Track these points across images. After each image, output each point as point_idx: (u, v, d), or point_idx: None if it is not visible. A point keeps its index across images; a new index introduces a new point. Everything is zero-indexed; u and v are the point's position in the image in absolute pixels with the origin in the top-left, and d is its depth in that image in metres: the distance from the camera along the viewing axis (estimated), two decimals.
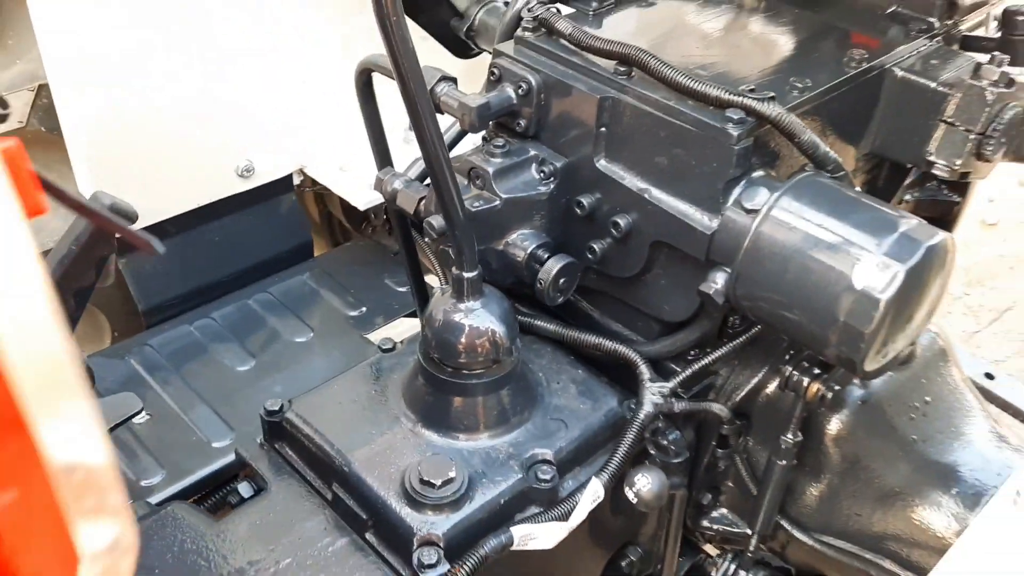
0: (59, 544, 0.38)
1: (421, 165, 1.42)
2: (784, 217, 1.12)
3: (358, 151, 1.88)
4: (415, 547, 1.13)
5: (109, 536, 0.40)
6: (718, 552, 1.60)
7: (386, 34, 1.02)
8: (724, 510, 1.54)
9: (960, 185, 1.55)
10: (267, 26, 1.84)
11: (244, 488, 1.33)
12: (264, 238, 1.96)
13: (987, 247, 4.32)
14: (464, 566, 1.12)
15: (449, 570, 1.12)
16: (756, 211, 1.14)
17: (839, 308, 1.06)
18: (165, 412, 1.69)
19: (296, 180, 2.01)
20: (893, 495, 1.37)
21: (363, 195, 1.89)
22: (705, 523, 1.54)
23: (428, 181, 1.37)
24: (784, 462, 1.35)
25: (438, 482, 1.16)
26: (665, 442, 1.35)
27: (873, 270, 1.04)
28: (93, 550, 0.39)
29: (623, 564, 1.51)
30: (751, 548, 1.46)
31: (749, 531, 1.47)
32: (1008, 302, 3.98)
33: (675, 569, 1.54)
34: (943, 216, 1.58)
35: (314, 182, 2.00)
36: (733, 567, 1.49)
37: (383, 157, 1.47)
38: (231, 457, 1.40)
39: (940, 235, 1.08)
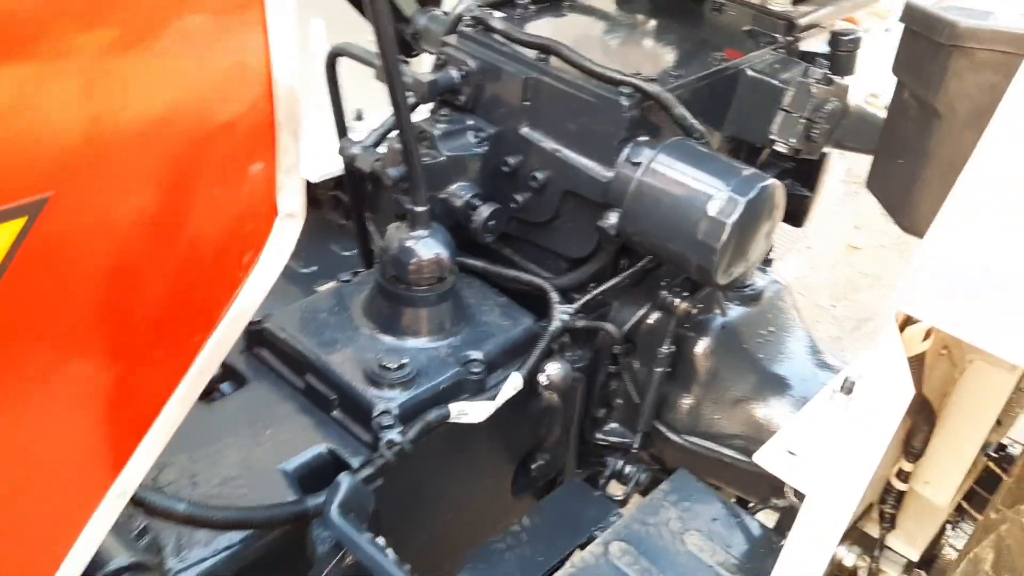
0: (269, 203, 0.66)
1: (374, 135, 1.75)
2: (659, 168, 1.50)
3: (309, 131, 2.19)
4: (375, 415, 1.44)
5: (295, 206, 0.69)
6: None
7: (378, 31, 1.35)
8: (615, 424, 1.90)
9: (808, 180, 1.97)
10: None
11: (226, 387, 1.61)
12: None
13: (852, 267, 4.90)
14: (412, 429, 1.44)
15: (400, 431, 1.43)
16: (639, 164, 1.52)
17: (698, 231, 1.45)
18: None
19: None
20: (743, 400, 1.76)
21: (314, 171, 2.19)
22: (599, 435, 1.90)
23: (379, 147, 1.72)
24: (660, 369, 1.73)
25: (394, 366, 1.48)
26: (568, 353, 1.71)
27: (721, 202, 1.43)
28: (285, 212, 0.68)
29: (532, 468, 1.84)
30: (635, 446, 1.83)
31: (635, 438, 1.84)
32: (868, 314, 4.52)
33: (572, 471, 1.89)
34: (796, 210, 1.98)
35: None
36: (621, 463, 1.85)
37: (342, 129, 1.81)
38: None
39: (771, 180, 1.48)
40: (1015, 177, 0.82)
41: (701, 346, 1.79)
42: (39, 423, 0.66)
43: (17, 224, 0.54)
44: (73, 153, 0.54)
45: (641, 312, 1.79)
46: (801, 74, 1.70)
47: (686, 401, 1.81)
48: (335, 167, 2.08)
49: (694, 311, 1.68)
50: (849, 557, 1.32)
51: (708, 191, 1.45)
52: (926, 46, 1.47)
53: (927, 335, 0.93)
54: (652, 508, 1.69)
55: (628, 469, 1.85)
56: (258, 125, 0.63)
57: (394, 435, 1.42)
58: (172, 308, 0.68)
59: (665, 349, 1.72)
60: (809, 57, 1.82)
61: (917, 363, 0.95)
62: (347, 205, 2.23)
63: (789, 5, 1.85)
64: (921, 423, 1.20)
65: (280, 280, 2.13)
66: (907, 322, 0.89)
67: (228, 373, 1.63)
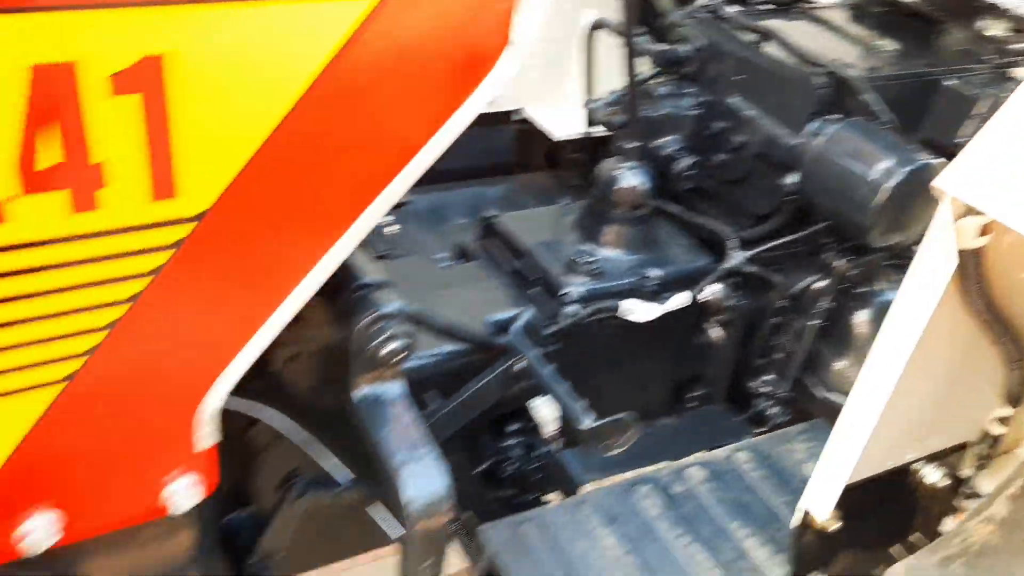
0: (505, 32, 1.07)
1: (613, 96, 2.15)
2: (837, 138, 1.77)
3: (560, 96, 2.62)
4: (562, 292, 1.83)
5: (517, 36, 1.08)
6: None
7: (627, 9, 1.76)
8: (772, 375, 2.15)
9: None
10: None
11: (459, 260, 2.07)
12: (486, 152, 2.72)
13: None
14: (588, 309, 1.81)
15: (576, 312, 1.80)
16: (822, 134, 1.80)
17: (858, 192, 1.70)
18: None
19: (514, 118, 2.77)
20: None
21: (560, 130, 2.62)
22: (753, 383, 2.15)
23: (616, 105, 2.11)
24: (815, 322, 1.97)
25: (583, 262, 1.87)
26: (738, 294, 2.00)
27: (882, 169, 1.68)
28: (513, 40, 1.07)
29: (686, 396, 2.13)
30: (784, 393, 2.07)
31: (785, 387, 2.08)
32: None
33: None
34: None
35: (524, 121, 2.75)
36: (766, 405, 2.10)
37: (590, 90, 2.23)
38: None
39: (937, 160, 1.70)
40: None
41: (861, 316, 2.01)
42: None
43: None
44: None
45: (808, 279, 2.04)
46: (999, 90, 1.88)
47: (838, 363, 2.03)
48: (577, 129, 2.50)
49: (852, 274, 1.92)
50: (933, 475, 1.51)
51: (873, 160, 1.70)
52: None
53: (984, 231, 1.14)
54: (784, 437, 1.95)
55: (770, 411, 2.09)
56: None
57: (574, 308, 1.80)
58: (434, 101, 1.09)
59: (824, 305, 1.96)
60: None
61: (974, 258, 1.16)
62: (583, 166, 2.64)
63: (1004, 32, 2.03)
64: (1013, 355, 1.37)
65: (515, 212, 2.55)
66: (965, 214, 1.12)
67: (461, 253, 2.09)
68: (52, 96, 0.87)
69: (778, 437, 1.95)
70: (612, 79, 2.39)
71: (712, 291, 1.90)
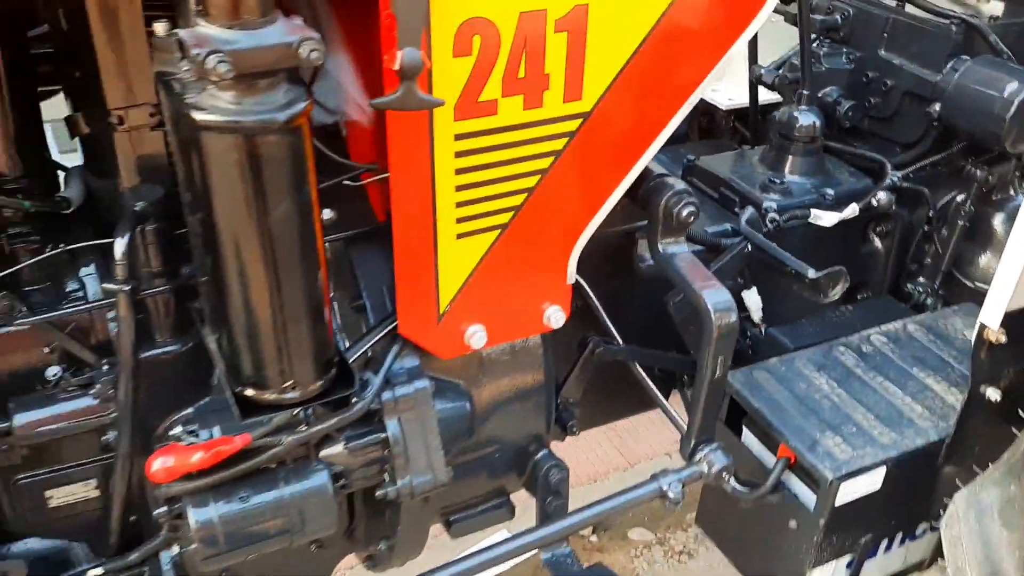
0: None
1: (776, 63, 2.72)
2: (972, 70, 2.30)
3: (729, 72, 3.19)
4: (764, 206, 2.37)
5: None
6: None
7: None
8: (923, 278, 2.65)
9: None
10: None
11: None
12: None
13: None
14: (784, 216, 2.35)
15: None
16: (959, 70, 2.33)
17: (995, 108, 2.22)
18: None
19: None
20: None
21: (724, 100, 3.19)
22: (910, 284, 2.66)
23: (782, 68, 2.68)
24: (961, 223, 2.48)
25: (777, 182, 2.42)
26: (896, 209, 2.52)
27: (1012, 88, 2.20)
28: None
29: (857, 295, 2.65)
30: (937, 285, 2.57)
31: (938, 281, 2.59)
32: None
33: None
34: None
35: None
36: (923, 295, 2.60)
37: (754, 58, 2.80)
38: None
39: None
40: None
41: (998, 218, 2.51)
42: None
43: None
44: None
45: (952, 192, 2.55)
46: None
47: (982, 258, 2.53)
48: (740, 99, 3.06)
49: (991, 181, 2.43)
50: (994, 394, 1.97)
51: (1003, 83, 2.23)
52: None
53: None
54: (943, 315, 2.46)
55: (927, 301, 2.59)
56: None
57: (773, 216, 2.35)
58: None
59: (966, 208, 2.47)
60: None
61: None
62: (742, 133, 3.20)
63: None
64: None
65: None
66: None
67: None
68: (528, 33, 1.48)
69: (938, 314, 2.45)
70: (765, 52, 2.96)
71: (877, 199, 2.43)
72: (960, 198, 2.54)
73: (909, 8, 2.47)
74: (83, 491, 1.78)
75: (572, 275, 1.79)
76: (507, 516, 2.12)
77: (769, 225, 2.34)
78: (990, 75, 2.28)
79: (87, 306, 1.60)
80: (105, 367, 1.62)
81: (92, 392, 1.62)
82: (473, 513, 2.08)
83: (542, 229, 1.70)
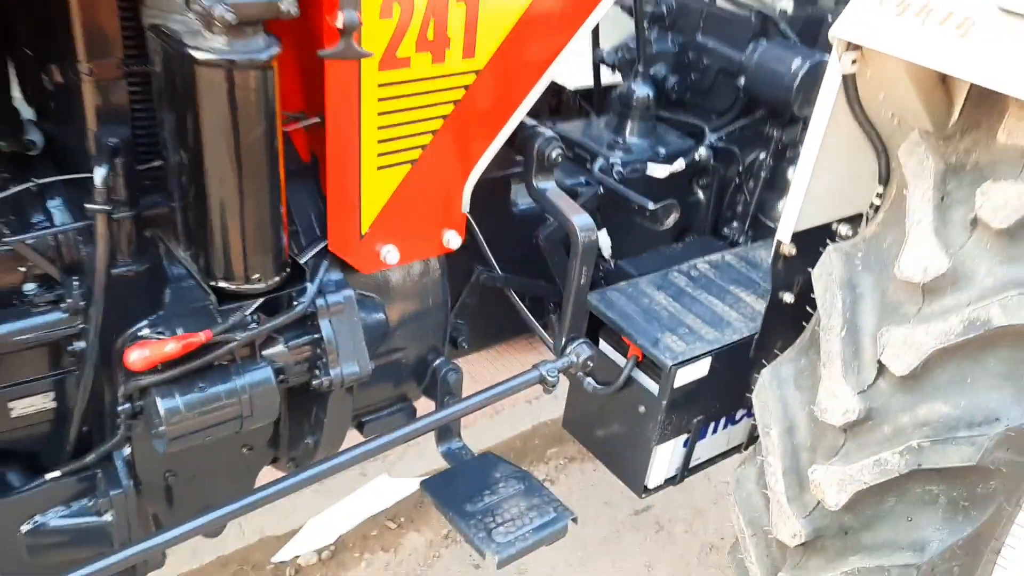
0: None
1: (613, 48, 3.25)
2: (767, 53, 2.91)
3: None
4: (610, 162, 2.89)
5: None
6: None
7: None
8: (736, 222, 3.26)
9: None
10: None
11: None
12: None
13: None
14: (626, 168, 2.87)
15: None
16: (756, 51, 2.93)
17: (786, 79, 2.83)
18: None
19: None
20: None
21: (571, 81, 3.69)
22: (726, 229, 3.26)
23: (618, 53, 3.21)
24: (764, 175, 3.10)
25: (619, 141, 2.94)
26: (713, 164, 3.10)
27: (796, 63, 2.81)
28: None
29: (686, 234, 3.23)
30: (747, 229, 3.18)
31: (746, 226, 3.20)
32: None
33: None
34: None
35: None
36: (736, 235, 3.20)
37: (596, 43, 3.32)
38: None
39: (825, 57, 2.83)
40: None
41: (791, 170, 3.13)
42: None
43: None
44: None
45: (756, 151, 3.17)
46: None
47: (780, 203, 3.15)
48: (585, 81, 3.58)
49: (785, 140, 3.06)
50: (845, 230, 2.60)
51: (791, 60, 2.84)
52: None
53: (854, 62, 2.23)
54: (752, 247, 3.05)
55: (740, 238, 3.20)
56: None
57: (619, 168, 2.87)
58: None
59: (769, 164, 3.09)
60: None
61: (852, 81, 2.25)
62: (587, 111, 3.72)
63: None
64: (878, 147, 2.47)
65: None
66: (845, 50, 2.19)
67: None
68: (436, 3, 1.89)
69: (748, 247, 3.06)
70: (605, 36, 3.47)
71: (699, 155, 3.00)
72: (762, 155, 3.15)
73: (719, 2, 3.06)
74: (42, 403, 2.03)
75: (466, 205, 2.22)
76: (410, 419, 2.52)
77: (615, 176, 2.85)
78: (781, 54, 2.89)
79: (61, 228, 1.86)
80: (75, 283, 1.89)
81: (63, 306, 1.88)
82: (382, 415, 2.47)
83: (444, 164, 2.11)
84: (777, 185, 3.15)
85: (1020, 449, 1.87)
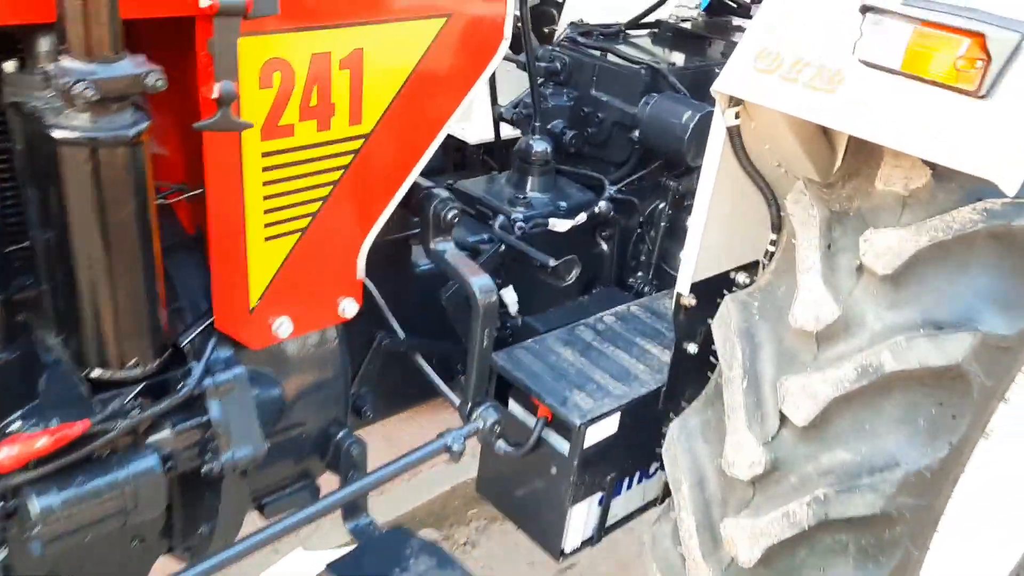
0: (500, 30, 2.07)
1: (512, 103, 3.27)
2: (659, 106, 2.96)
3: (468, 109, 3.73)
4: (511, 217, 2.87)
5: (508, 32, 2.12)
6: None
7: (525, 37, 2.88)
8: (640, 272, 3.28)
9: None
10: None
11: None
12: None
13: None
14: (529, 224, 2.86)
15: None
16: (649, 104, 2.97)
17: (677, 131, 2.88)
18: None
19: None
20: None
21: (472, 136, 3.69)
22: (632, 279, 3.27)
23: (518, 106, 3.23)
24: (663, 225, 3.12)
25: (521, 197, 2.93)
26: (613, 216, 3.12)
27: (687, 116, 2.86)
28: (505, 36, 2.10)
29: (592, 290, 3.22)
30: (651, 278, 3.20)
31: (649, 276, 3.22)
32: None
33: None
34: None
35: None
36: (642, 285, 3.22)
37: (494, 99, 3.34)
38: None
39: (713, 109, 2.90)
40: None
41: (689, 219, 3.18)
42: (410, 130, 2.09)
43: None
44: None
45: (654, 201, 3.20)
46: None
47: (680, 250, 3.18)
48: (486, 135, 3.58)
49: (680, 192, 3.10)
50: (742, 278, 2.64)
51: (682, 112, 2.89)
52: None
53: (738, 115, 2.28)
54: (656, 297, 3.07)
55: (645, 289, 3.22)
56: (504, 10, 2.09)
57: (520, 224, 2.85)
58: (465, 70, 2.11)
59: (669, 215, 3.12)
60: None
61: (737, 133, 2.30)
62: (491, 165, 3.72)
63: None
64: (768, 197, 2.52)
65: None
66: (729, 105, 2.24)
67: None
68: (318, 70, 1.84)
69: (653, 297, 3.07)
70: (503, 92, 3.49)
71: (599, 208, 3.01)
72: (661, 205, 3.19)
73: (611, 57, 3.11)
74: None
75: (361, 271, 2.15)
76: (313, 497, 2.41)
77: (517, 231, 2.83)
78: (672, 107, 2.94)
79: None
80: None
81: None
82: (283, 495, 2.35)
83: (336, 231, 2.05)
84: (677, 234, 3.19)
85: (921, 493, 1.89)
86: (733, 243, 2.51)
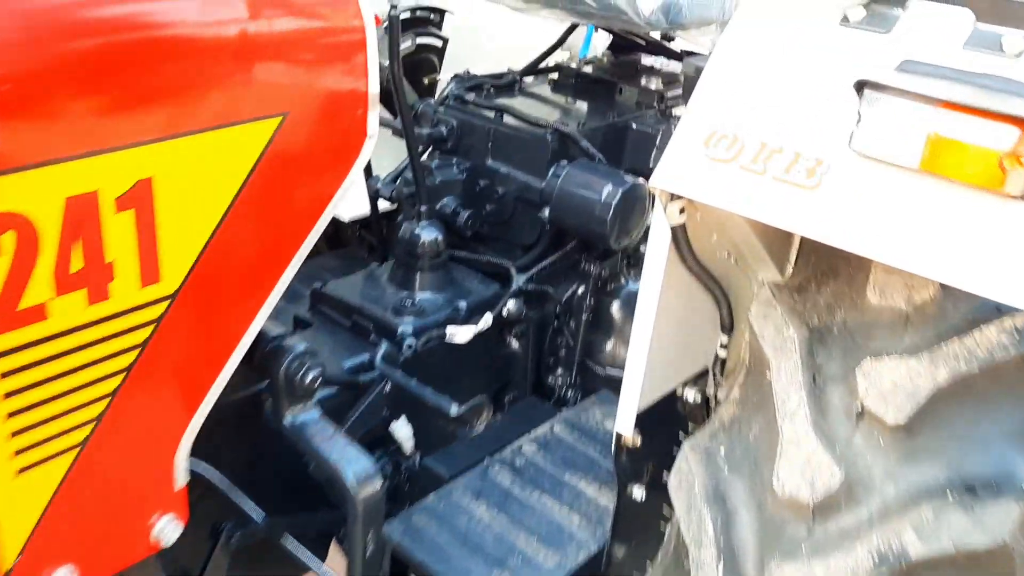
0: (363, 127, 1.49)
1: (391, 175, 2.66)
2: (571, 176, 2.40)
3: None
4: (399, 331, 2.27)
5: (373, 129, 1.53)
6: None
7: (398, 99, 2.28)
8: (561, 368, 2.72)
9: None
10: None
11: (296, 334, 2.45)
12: None
13: None
14: (420, 340, 2.27)
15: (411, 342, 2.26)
16: (559, 176, 2.42)
17: (595, 211, 2.33)
18: None
19: None
20: None
21: (346, 213, 3.07)
22: (551, 378, 2.71)
23: (398, 180, 2.61)
24: (585, 316, 2.57)
25: (409, 304, 2.33)
26: (525, 311, 2.55)
27: (607, 192, 2.32)
28: (370, 133, 1.51)
29: (504, 399, 2.65)
30: (572, 380, 2.65)
31: (573, 373, 2.66)
32: None
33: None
34: None
35: None
36: (564, 390, 2.66)
37: (368, 172, 2.72)
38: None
39: (641, 180, 2.37)
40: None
41: (615, 305, 2.64)
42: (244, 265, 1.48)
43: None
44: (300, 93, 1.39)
45: (572, 286, 2.64)
46: (668, 126, 2.63)
47: (607, 344, 2.65)
48: (362, 210, 2.96)
49: (603, 276, 2.55)
50: (692, 395, 2.11)
51: (599, 187, 2.34)
52: None
53: (682, 210, 1.76)
54: (583, 408, 2.52)
55: (568, 394, 2.66)
56: (364, 94, 1.49)
57: (410, 342, 2.25)
58: (323, 181, 1.51)
59: (588, 302, 2.57)
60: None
61: (682, 231, 1.78)
62: (370, 242, 3.10)
63: (661, 86, 2.81)
64: (719, 297, 2.01)
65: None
66: (670, 201, 1.72)
67: (299, 323, 2.47)
68: (79, 218, 1.20)
69: (579, 408, 2.51)
70: (382, 163, 2.89)
71: (507, 310, 2.44)
72: (581, 290, 2.64)
73: (507, 119, 2.54)
74: None
75: (183, 475, 1.52)
76: None
77: (406, 352, 2.23)
78: (587, 179, 2.39)
79: None
80: None
81: None
82: None
83: (135, 435, 1.41)
84: (601, 325, 2.65)
85: None
86: (681, 357, 2.01)
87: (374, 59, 1.50)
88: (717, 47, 1.66)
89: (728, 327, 2.02)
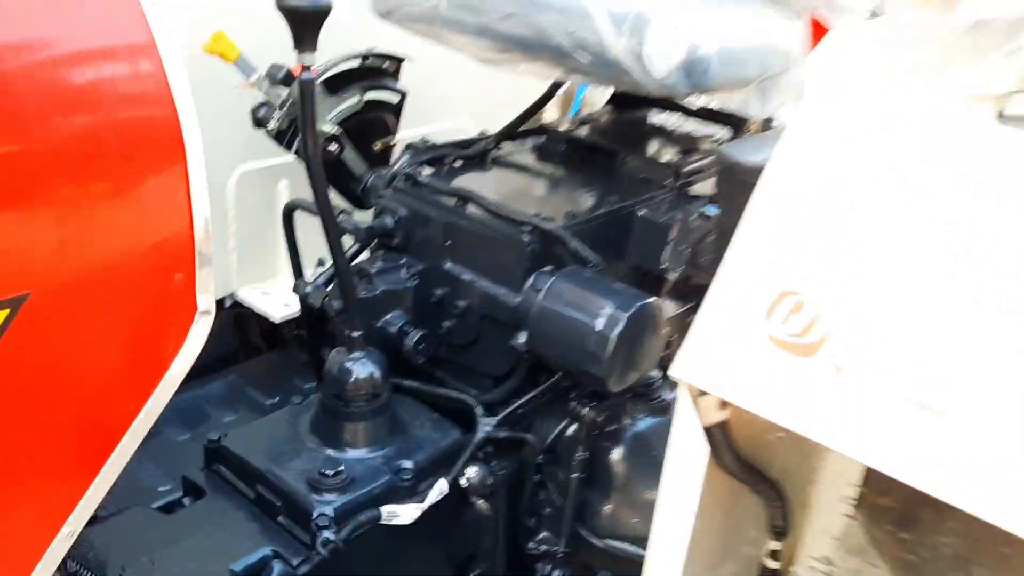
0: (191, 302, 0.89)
1: (324, 276, 2.02)
2: (556, 292, 1.76)
3: (276, 280, 2.51)
4: (313, 517, 1.63)
5: (209, 304, 0.92)
6: None
7: (313, 184, 1.66)
8: (545, 532, 2.06)
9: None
10: None
11: (187, 500, 1.81)
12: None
13: None
14: (345, 528, 1.62)
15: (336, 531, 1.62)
16: (540, 290, 1.78)
17: (588, 344, 1.69)
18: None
19: (228, 304, 2.55)
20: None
21: (279, 311, 2.45)
22: (531, 544, 2.06)
23: (330, 285, 1.98)
24: (577, 475, 1.92)
25: (331, 474, 1.68)
26: (494, 463, 1.90)
27: (606, 318, 1.68)
28: (202, 309, 0.91)
29: None
30: (561, 552, 1.99)
31: (562, 543, 2.00)
32: None
33: None
34: None
35: (236, 304, 2.54)
36: (549, 567, 2.01)
37: (299, 272, 2.08)
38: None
39: (651, 299, 1.73)
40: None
41: (615, 454, 1.99)
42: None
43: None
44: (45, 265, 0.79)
45: (560, 426, 1.99)
46: (684, 212, 1.99)
47: (606, 506, 1.99)
48: (294, 308, 2.33)
49: (600, 419, 1.90)
50: None
51: (595, 309, 1.70)
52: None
53: (723, 404, 1.15)
54: None
55: (556, 574, 2.00)
56: (181, 246, 0.88)
57: (329, 534, 1.60)
58: (118, 381, 0.90)
59: (580, 456, 1.92)
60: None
61: (720, 430, 1.16)
62: (308, 343, 2.46)
63: (676, 156, 2.18)
64: (772, 500, 1.39)
65: (245, 411, 2.33)
66: (702, 392, 1.11)
67: (190, 488, 1.83)
68: None
69: None
70: (310, 248, 2.25)
71: (467, 479, 1.79)
72: (570, 431, 1.99)
73: (472, 208, 1.90)
74: None
75: None
76: None
77: (323, 550, 1.58)
78: (580, 296, 1.75)
79: None
80: None
81: None
82: None
83: None
84: (598, 480, 1.99)
85: None
86: (717, 567, 1.43)
87: (201, 183, 0.88)
88: (783, 143, 1.03)
89: (783, 531, 1.42)
